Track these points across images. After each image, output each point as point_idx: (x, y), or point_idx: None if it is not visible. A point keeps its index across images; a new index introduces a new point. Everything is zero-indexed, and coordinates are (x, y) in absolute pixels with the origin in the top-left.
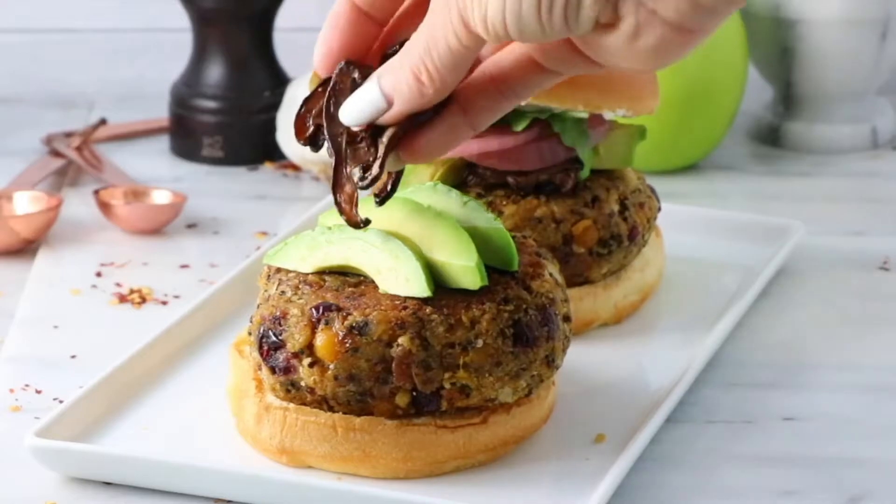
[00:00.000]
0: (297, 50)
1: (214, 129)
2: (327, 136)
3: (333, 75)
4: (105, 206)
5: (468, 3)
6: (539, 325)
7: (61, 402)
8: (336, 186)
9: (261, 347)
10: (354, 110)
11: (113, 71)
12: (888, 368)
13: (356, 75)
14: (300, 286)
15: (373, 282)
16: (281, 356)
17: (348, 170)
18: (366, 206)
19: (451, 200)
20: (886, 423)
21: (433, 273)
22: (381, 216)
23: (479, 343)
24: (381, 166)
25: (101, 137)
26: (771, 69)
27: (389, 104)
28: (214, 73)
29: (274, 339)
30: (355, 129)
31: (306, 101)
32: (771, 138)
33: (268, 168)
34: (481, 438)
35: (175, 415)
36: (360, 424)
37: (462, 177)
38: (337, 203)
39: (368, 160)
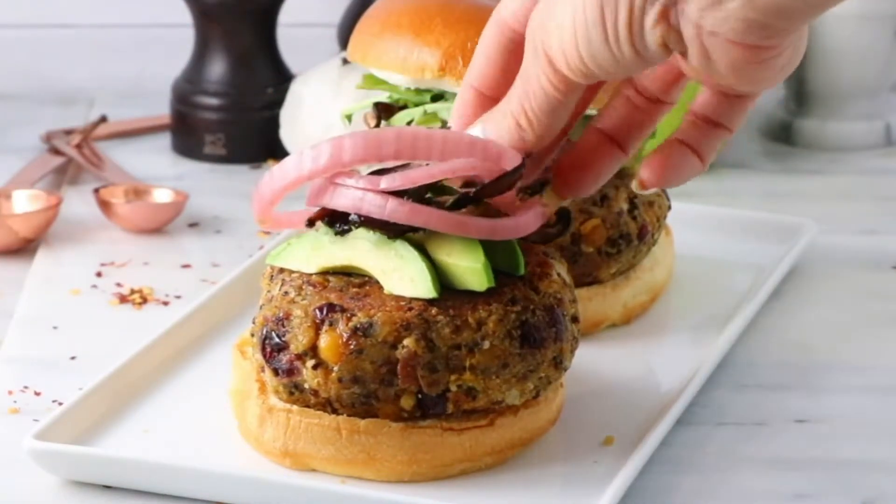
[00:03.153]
0: (300, 46)
1: (216, 126)
2: None
3: None
4: (105, 205)
5: (551, 44)
6: (547, 325)
7: (61, 404)
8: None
9: (263, 349)
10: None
11: (113, 67)
12: None
13: None
14: (304, 287)
15: (377, 282)
16: (284, 358)
17: None
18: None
19: None
20: None
21: (439, 274)
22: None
23: (486, 344)
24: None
25: (102, 135)
26: None
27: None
28: (216, 69)
29: (277, 340)
30: None
31: None
32: (783, 135)
33: (271, 166)
34: (488, 441)
35: (176, 417)
36: (364, 427)
37: None
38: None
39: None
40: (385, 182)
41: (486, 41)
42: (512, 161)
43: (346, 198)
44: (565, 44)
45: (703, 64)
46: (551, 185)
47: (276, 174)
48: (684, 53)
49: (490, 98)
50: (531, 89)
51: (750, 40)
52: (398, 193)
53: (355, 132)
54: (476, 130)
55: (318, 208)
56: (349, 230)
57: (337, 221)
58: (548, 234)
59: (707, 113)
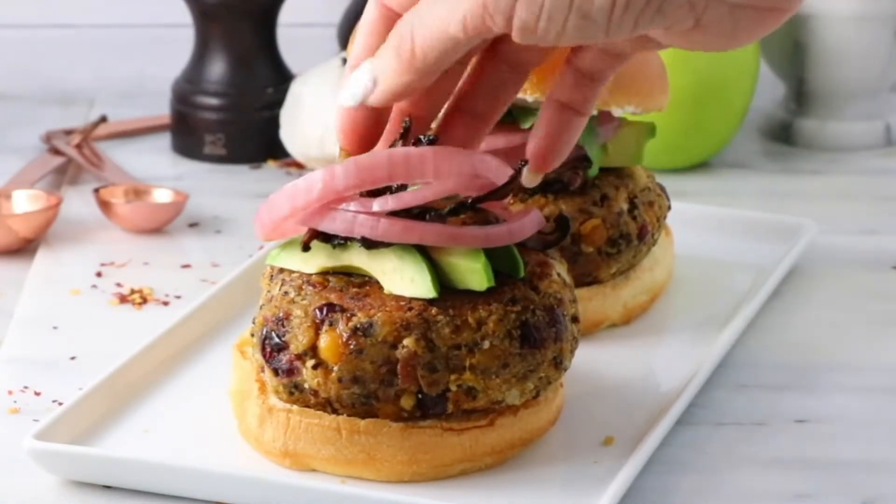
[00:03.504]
0: (300, 45)
1: (216, 126)
2: None
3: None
4: (105, 205)
5: (501, 3)
6: (547, 325)
7: (61, 404)
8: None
9: (263, 349)
10: (347, 91)
11: (114, 67)
12: None
13: None
14: (304, 287)
15: (377, 282)
16: (284, 358)
17: None
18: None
19: None
20: None
21: (439, 274)
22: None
23: (486, 344)
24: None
25: (102, 135)
26: (783, 65)
27: (375, 84)
28: (217, 69)
29: (277, 340)
30: None
31: None
32: (783, 135)
33: (271, 166)
34: (488, 441)
35: (176, 417)
36: (364, 427)
37: None
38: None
39: None
40: (377, 205)
41: (369, 23)
42: (503, 174)
43: (338, 221)
44: (550, 6)
45: (726, 34)
46: (528, 165)
47: (274, 204)
48: (698, 28)
49: None
50: (431, 28)
51: (780, 4)
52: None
53: (347, 159)
54: (364, 64)
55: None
56: (345, 243)
57: (332, 237)
58: (546, 241)
59: (565, 99)
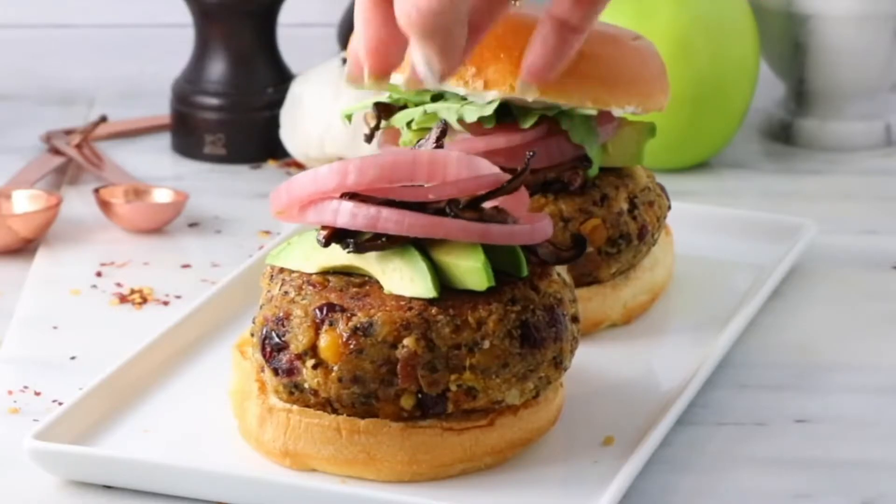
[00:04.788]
0: (301, 45)
1: (216, 126)
2: None
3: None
4: (105, 205)
5: None
6: (547, 325)
7: (61, 404)
8: None
9: (263, 349)
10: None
11: (114, 67)
12: None
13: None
14: (303, 286)
15: (377, 282)
16: (284, 358)
17: None
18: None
19: None
20: None
21: (439, 274)
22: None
23: (486, 344)
24: None
25: (102, 135)
26: (783, 65)
27: (431, 71)
28: (217, 69)
29: (277, 340)
30: None
31: None
32: (783, 136)
33: (271, 166)
34: (488, 441)
35: (176, 417)
36: (364, 427)
37: None
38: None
39: None
40: (434, 194)
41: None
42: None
43: (360, 217)
44: None
45: None
46: (521, 79)
47: (319, 176)
48: None
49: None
50: None
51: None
52: (406, 206)
53: (369, 157)
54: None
55: (313, 223)
56: (351, 245)
57: (347, 237)
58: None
59: (563, 17)
